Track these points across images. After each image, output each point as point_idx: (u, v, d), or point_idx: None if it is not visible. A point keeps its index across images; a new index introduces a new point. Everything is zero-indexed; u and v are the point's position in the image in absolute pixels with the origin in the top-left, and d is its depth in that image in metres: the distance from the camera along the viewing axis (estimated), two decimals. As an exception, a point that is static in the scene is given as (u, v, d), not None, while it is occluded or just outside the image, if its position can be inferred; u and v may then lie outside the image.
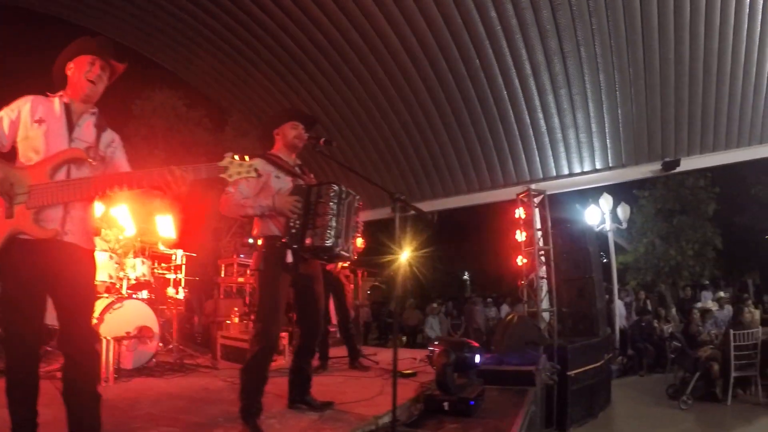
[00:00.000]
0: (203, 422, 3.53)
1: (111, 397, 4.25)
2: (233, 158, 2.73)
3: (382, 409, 3.93)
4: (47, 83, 2.88)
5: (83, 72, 2.81)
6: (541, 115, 9.40)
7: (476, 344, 4.80)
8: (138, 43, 10.34)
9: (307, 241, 3.42)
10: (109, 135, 2.91)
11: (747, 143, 9.30)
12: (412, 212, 3.84)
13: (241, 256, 9.52)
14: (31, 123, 2.69)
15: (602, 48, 8.29)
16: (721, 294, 11.03)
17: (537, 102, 9.21)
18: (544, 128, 9.57)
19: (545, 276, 9.44)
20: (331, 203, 3.45)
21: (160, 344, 5.82)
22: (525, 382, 5.29)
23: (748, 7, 7.65)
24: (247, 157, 2.80)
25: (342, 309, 6.47)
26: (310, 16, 8.56)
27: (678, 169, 9.56)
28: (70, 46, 2.88)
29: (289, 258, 3.46)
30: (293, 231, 3.46)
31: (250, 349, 3.52)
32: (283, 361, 6.26)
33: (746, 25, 7.88)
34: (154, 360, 5.63)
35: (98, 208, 6.04)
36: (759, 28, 7.87)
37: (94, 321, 5.08)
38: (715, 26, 7.87)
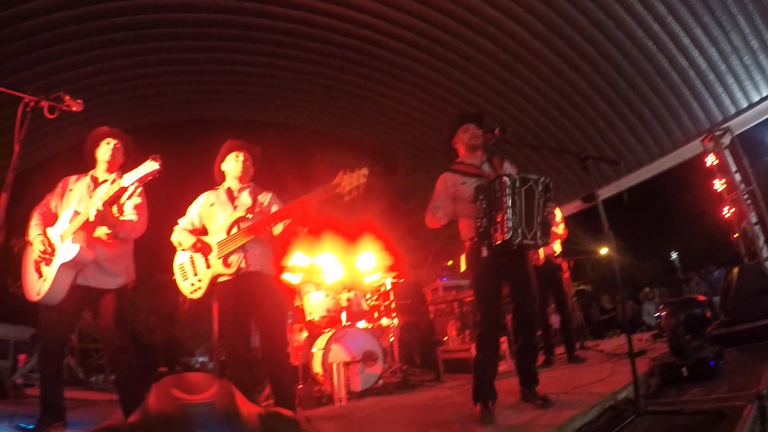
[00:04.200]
0: (438, 422, 3.39)
1: (345, 414, 4.31)
2: (343, 174, 3.45)
3: (617, 385, 3.57)
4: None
5: (233, 163, 3.88)
6: (696, 53, 8.10)
7: (702, 297, 4.12)
8: (285, 116, 10.99)
9: (494, 236, 3.43)
10: (263, 196, 3.87)
11: None
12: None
13: (444, 279, 9.34)
14: (208, 206, 3.83)
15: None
16: None
17: (686, 40, 7.98)
18: (704, 65, 8.20)
19: (758, 221, 8.01)
20: (505, 197, 3.41)
21: (385, 366, 5.76)
22: (765, 336, 4.50)
23: None
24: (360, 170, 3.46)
25: (559, 298, 6.14)
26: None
27: None
28: (221, 150, 3.96)
29: (484, 253, 3.49)
30: (481, 230, 3.49)
31: (476, 332, 3.70)
32: (504, 366, 5.93)
33: None
34: (380, 381, 5.57)
35: (303, 259, 6.90)
36: None
37: (321, 351, 5.32)
38: None
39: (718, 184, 8.49)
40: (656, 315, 4.16)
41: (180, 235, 3.74)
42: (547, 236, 3.54)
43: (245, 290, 3.54)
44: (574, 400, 3.39)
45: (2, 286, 8.11)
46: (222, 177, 3.98)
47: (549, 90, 9.42)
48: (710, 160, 8.52)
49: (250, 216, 3.66)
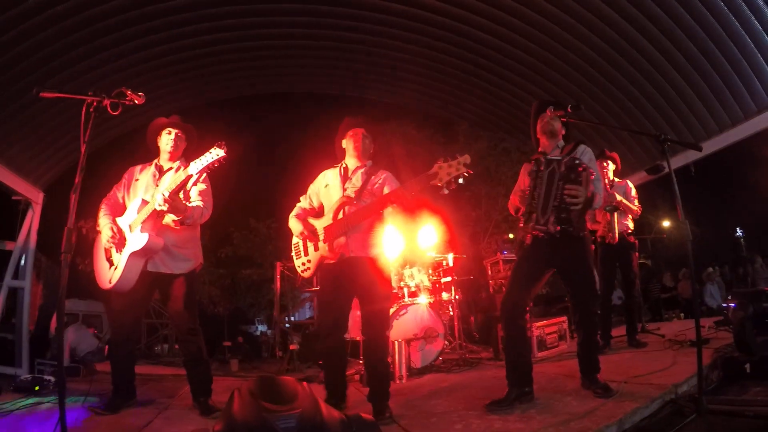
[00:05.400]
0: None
1: (407, 391, 4.39)
2: (442, 163, 3.11)
3: (679, 377, 3.51)
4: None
5: (351, 142, 3.86)
6: (762, 4, 7.23)
7: (773, 290, 3.98)
8: (349, 87, 10.87)
9: (528, 223, 3.46)
10: (377, 177, 3.78)
11: None
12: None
13: (504, 252, 9.29)
14: (323, 187, 3.87)
15: None
16: None
17: (760, 1, 7.18)
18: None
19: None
20: (532, 183, 3.44)
21: (446, 342, 5.85)
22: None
23: None
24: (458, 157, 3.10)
25: (628, 278, 5.86)
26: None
27: None
28: (340, 127, 3.96)
29: (528, 240, 3.52)
30: (524, 216, 3.51)
31: None
32: (564, 346, 5.95)
33: None
34: (440, 358, 5.67)
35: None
36: None
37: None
38: None
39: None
40: (724, 305, 3.99)
41: (292, 220, 3.88)
42: (564, 222, 3.34)
43: (347, 274, 3.63)
44: (635, 390, 3.34)
45: (72, 265, 8.63)
46: (343, 153, 3.99)
47: (618, 57, 8.98)
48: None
49: (355, 197, 3.68)
